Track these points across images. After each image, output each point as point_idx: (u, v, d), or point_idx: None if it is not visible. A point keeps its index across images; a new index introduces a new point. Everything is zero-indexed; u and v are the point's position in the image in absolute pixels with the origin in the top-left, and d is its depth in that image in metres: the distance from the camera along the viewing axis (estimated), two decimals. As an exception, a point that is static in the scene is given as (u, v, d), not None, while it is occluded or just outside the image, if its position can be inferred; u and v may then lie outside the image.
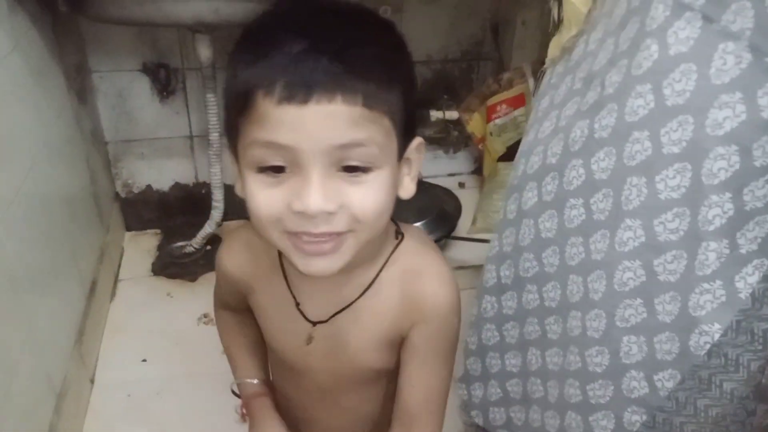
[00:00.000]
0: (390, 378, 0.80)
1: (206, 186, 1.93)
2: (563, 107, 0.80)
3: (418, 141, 0.66)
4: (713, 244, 0.62)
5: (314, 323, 0.75)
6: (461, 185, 2.15)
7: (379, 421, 0.85)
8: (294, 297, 0.75)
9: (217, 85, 1.64)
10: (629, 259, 0.69)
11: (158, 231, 2.03)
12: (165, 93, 1.83)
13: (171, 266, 1.88)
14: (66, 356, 1.34)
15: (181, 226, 2.00)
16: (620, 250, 0.69)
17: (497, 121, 1.87)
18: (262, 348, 0.91)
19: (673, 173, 0.63)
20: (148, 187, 1.99)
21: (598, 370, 0.75)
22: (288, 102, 0.55)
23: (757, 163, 0.58)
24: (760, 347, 0.63)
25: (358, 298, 0.73)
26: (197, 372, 1.50)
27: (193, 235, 1.88)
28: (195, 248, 1.89)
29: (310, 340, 0.76)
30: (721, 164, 0.60)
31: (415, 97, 0.65)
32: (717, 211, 0.61)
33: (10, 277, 1.10)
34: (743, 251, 0.61)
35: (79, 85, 1.65)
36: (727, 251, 0.61)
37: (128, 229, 2.03)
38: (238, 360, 0.92)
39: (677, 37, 0.61)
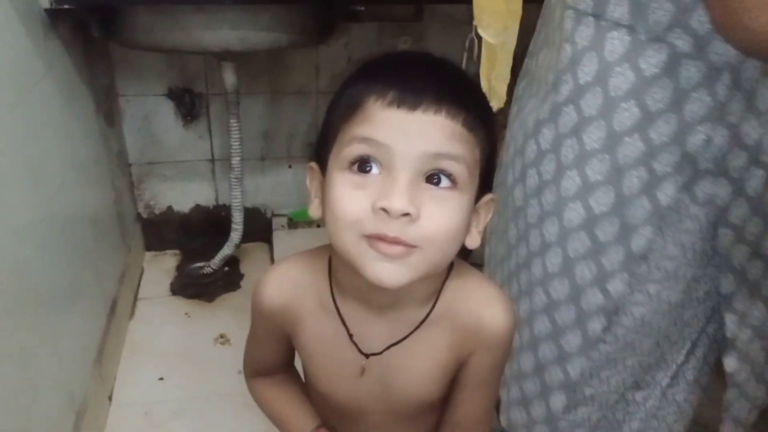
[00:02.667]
0: (440, 407, 0.80)
1: (226, 208, 1.97)
2: (525, 107, 0.99)
3: (490, 196, 0.68)
4: (634, 172, 0.83)
5: (367, 355, 0.73)
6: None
7: None
8: (347, 328, 0.73)
9: (240, 111, 1.68)
10: (572, 201, 0.88)
11: (178, 252, 2.07)
12: (189, 117, 1.88)
13: (190, 287, 1.91)
14: (86, 374, 1.37)
15: (200, 247, 2.04)
16: (564, 195, 0.88)
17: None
18: (309, 400, 0.88)
19: (593, 129, 0.84)
20: (170, 208, 2.03)
21: (562, 297, 0.92)
22: (398, 106, 0.59)
23: (652, 109, 0.80)
24: (690, 258, 0.85)
25: (413, 332, 0.72)
26: (214, 392, 1.52)
27: (212, 257, 1.91)
28: (213, 269, 1.92)
29: (362, 372, 0.74)
30: (626, 115, 0.81)
31: (495, 156, 0.68)
32: (631, 148, 0.82)
33: (36, 295, 1.12)
34: (659, 173, 0.82)
35: (107, 108, 1.69)
36: (646, 175, 0.82)
37: (148, 249, 2.07)
38: (290, 416, 0.86)
39: (581, 36, 0.84)
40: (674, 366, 0.95)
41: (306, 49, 1.82)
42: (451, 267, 0.73)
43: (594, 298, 0.90)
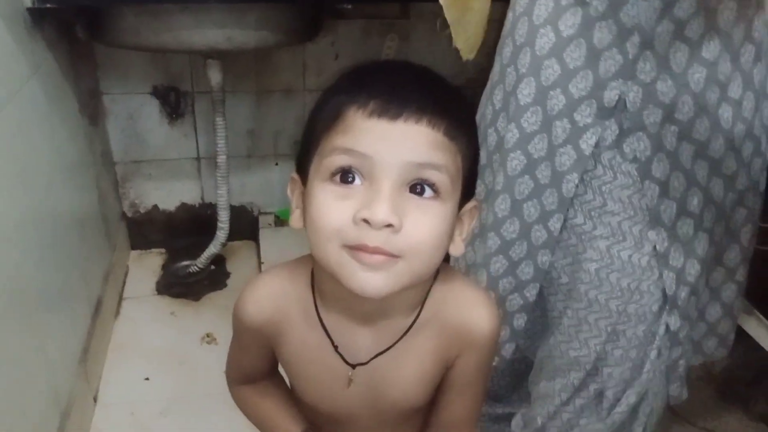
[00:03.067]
0: (426, 410, 0.81)
1: (212, 207, 1.96)
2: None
3: (474, 203, 0.68)
4: (559, 123, 0.92)
5: (353, 366, 0.73)
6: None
7: None
8: (332, 340, 0.72)
9: (225, 109, 1.68)
10: (513, 151, 0.97)
11: (163, 251, 2.06)
12: (174, 116, 1.87)
13: (175, 286, 1.90)
14: (71, 374, 1.36)
15: (186, 246, 2.02)
16: (507, 147, 0.98)
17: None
18: (295, 405, 0.86)
19: (525, 86, 0.94)
20: (155, 207, 2.02)
21: (514, 235, 1.02)
22: (378, 116, 0.59)
23: (571, 66, 0.89)
24: (632, 213, 0.93)
25: (399, 340, 0.72)
26: (201, 391, 1.51)
27: (198, 256, 1.90)
28: (199, 268, 1.91)
29: (349, 383, 0.74)
30: (550, 72, 0.92)
31: (477, 163, 0.69)
32: (555, 101, 0.91)
33: (21, 295, 1.12)
34: (581, 124, 0.91)
35: (92, 108, 1.68)
36: (569, 126, 0.92)
37: (134, 248, 2.06)
38: (275, 421, 0.85)
39: (519, 3, 0.95)
40: (656, 340, 0.98)
41: (293, 47, 1.82)
42: (436, 272, 0.72)
43: (540, 234, 1.00)
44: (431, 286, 0.72)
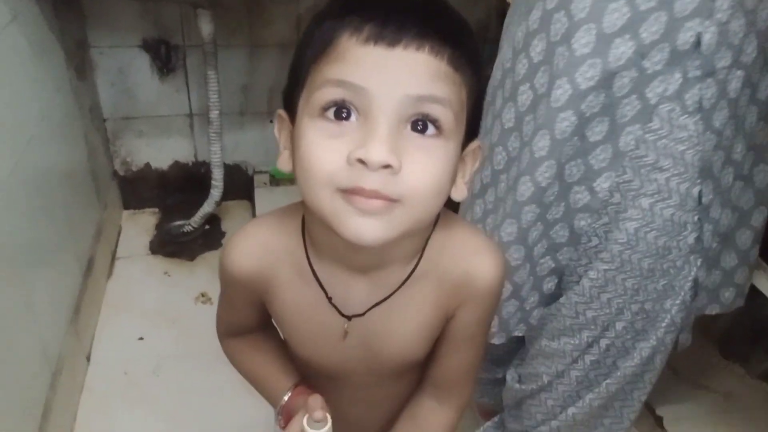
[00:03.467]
0: (424, 364, 0.77)
1: (206, 165, 1.92)
2: (512, 30, 0.98)
3: (477, 143, 0.63)
4: (625, 73, 0.83)
5: (349, 317, 0.68)
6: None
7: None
8: (325, 292, 0.68)
9: (218, 63, 1.62)
10: (564, 111, 0.88)
11: (156, 210, 2.03)
12: (165, 70, 1.82)
13: (169, 245, 1.88)
14: (62, 333, 1.34)
15: (179, 205, 1.99)
16: (555, 106, 0.88)
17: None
18: (287, 357, 0.82)
19: (582, 33, 0.84)
20: (147, 165, 1.98)
21: (552, 198, 0.94)
22: (375, 42, 0.53)
23: (642, 8, 0.80)
24: (682, 169, 0.86)
25: (396, 291, 0.67)
26: (194, 351, 1.49)
27: (192, 215, 1.87)
28: (193, 227, 1.89)
29: (345, 335, 0.69)
30: (616, 15, 0.81)
31: (483, 99, 0.63)
32: (622, 49, 0.82)
33: (7, 252, 1.09)
34: (649, 72, 0.83)
35: (79, 61, 1.63)
36: (636, 75, 0.83)
37: (126, 207, 2.02)
38: (266, 375, 0.81)
39: None
40: (682, 293, 0.94)
41: (286, -3, 1.76)
42: (436, 219, 0.67)
43: (581, 196, 0.92)
44: (431, 233, 0.68)
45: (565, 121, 0.88)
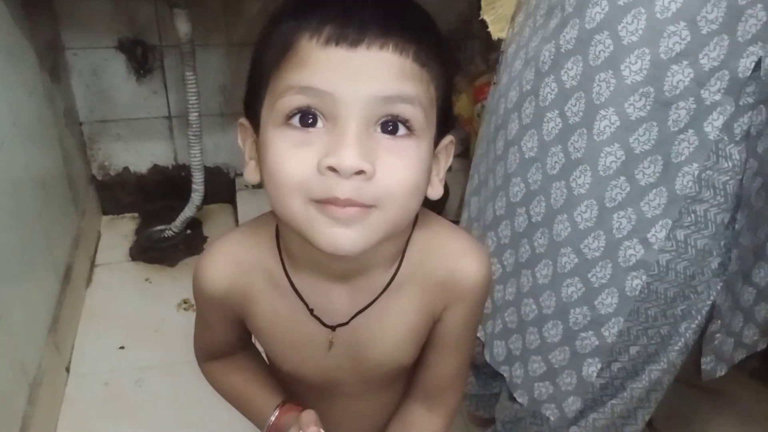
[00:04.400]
0: (411, 373, 0.75)
1: (186, 168, 1.87)
2: (529, 44, 0.89)
3: (449, 139, 0.61)
4: (681, 104, 0.76)
5: (333, 327, 0.66)
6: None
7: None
8: (306, 304, 0.65)
9: (195, 63, 1.58)
10: (608, 145, 0.80)
11: (136, 215, 1.98)
12: (142, 71, 1.77)
13: (150, 251, 1.83)
14: (40, 344, 1.30)
15: (160, 209, 1.94)
16: (599, 139, 0.80)
17: (485, 102, 1.83)
18: (271, 376, 0.79)
19: (634, 59, 0.76)
20: (126, 169, 1.93)
21: (597, 254, 0.85)
22: (336, 44, 0.51)
23: (704, 31, 0.72)
24: (722, 200, 0.81)
25: (380, 295, 0.65)
26: (177, 360, 1.45)
27: (173, 219, 1.83)
28: (174, 232, 1.84)
29: (330, 346, 0.67)
30: (674, 40, 0.74)
31: (452, 93, 0.60)
32: (679, 77, 0.75)
33: (-23, 263, 1.04)
34: (708, 103, 0.76)
35: (52, 63, 1.58)
36: (694, 106, 0.76)
37: (105, 212, 1.97)
38: (251, 396, 0.77)
39: None
40: (699, 317, 0.90)
41: (265, -5, 1.72)
42: (415, 219, 0.65)
43: (632, 251, 0.83)
44: (410, 234, 0.65)
45: (610, 156, 0.80)
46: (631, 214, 0.82)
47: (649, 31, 0.74)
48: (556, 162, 0.85)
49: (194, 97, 1.61)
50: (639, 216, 0.81)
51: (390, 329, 0.67)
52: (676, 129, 0.77)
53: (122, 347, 1.51)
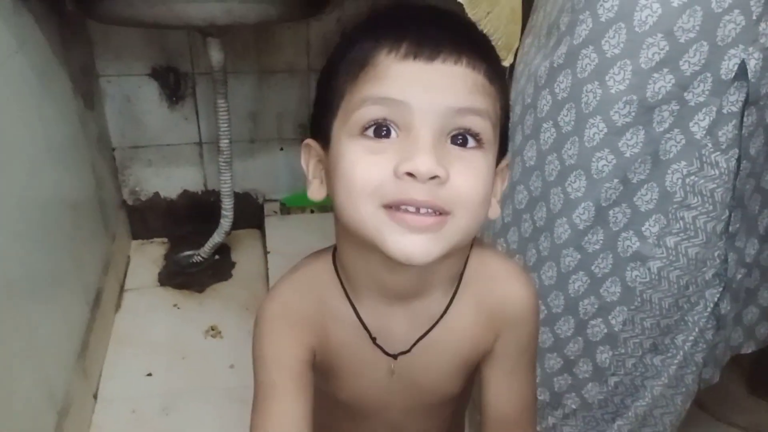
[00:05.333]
0: (456, 399, 0.74)
1: (215, 194, 1.88)
2: (533, 62, 0.93)
3: (506, 162, 0.63)
4: (665, 107, 0.80)
5: (395, 356, 0.66)
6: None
7: None
8: (369, 332, 0.65)
9: (227, 91, 1.59)
10: (599, 150, 0.84)
11: (165, 240, 1.99)
12: (174, 98, 1.79)
13: (178, 276, 1.83)
14: (68, 370, 1.29)
15: (189, 234, 1.95)
16: (590, 146, 0.84)
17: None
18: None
19: (617, 70, 0.80)
20: (156, 194, 1.94)
21: (597, 247, 0.88)
22: (414, 58, 0.53)
23: (682, 40, 0.76)
24: (710, 207, 0.83)
25: (439, 319, 0.65)
26: (204, 387, 1.44)
27: (202, 245, 1.83)
28: (203, 258, 1.84)
29: (392, 374, 0.67)
30: (654, 50, 0.78)
31: (509, 117, 0.62)
32: (661, 83, 0.79)
33: (9, 286, 1.04)
34: (692, 104, 0.79)
35: (86, 89, 1.60)
36: (678, 107, 0.80)
37: (135, 237, 1.98)
38: None
39: None
40: (696, 329, 0.90)
41: (296, 23, 1.73)
42: (471, 244, 0.66)
43: (629, 242, 0.87)
44: (468, 256, 0.66)
45: (602, 161, 0.84)
46: (626, 209, 0.86)
47: (629, 44, 0.79)
48: (552, 169, 0.89)
49: (225, 124, 1.62)
50: (633, 210, 0.85)
51: (445, 358, 0.68)
52: (661, 129, 0.81)
53: (149, 374, 1.50)
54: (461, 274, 0.66)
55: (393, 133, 0.54)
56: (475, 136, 0.55)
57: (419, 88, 0.53)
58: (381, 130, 0.54)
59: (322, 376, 0.69)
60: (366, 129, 0.54)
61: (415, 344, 0.66)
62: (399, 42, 0.54)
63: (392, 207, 0.53)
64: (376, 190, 0.53)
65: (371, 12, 0.60)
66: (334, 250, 0.67)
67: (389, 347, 0.66)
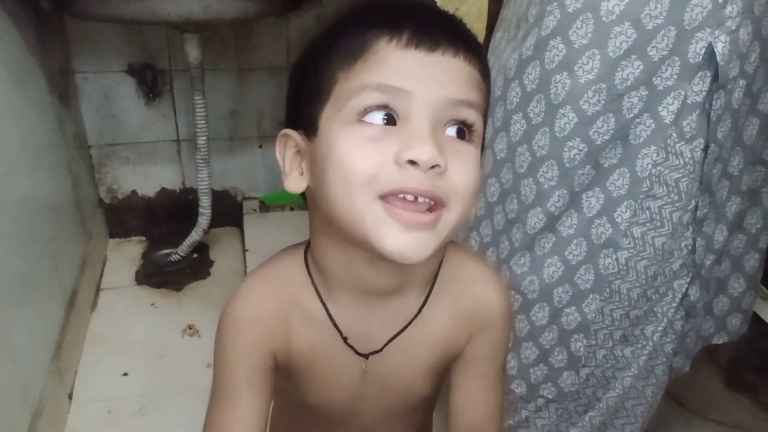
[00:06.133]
0: (427, 403, 0.74)
1: (194, 192, 1.87)
2: (503, 55, 0.94)
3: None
4: (633, 93, 0.81)
5: (367, 355, 0.65)
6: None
7: None
8: (340, 332, 0.64)
9: (205, 88, 1.58)
10: (570, 140, 0.84)
11: (143, 238, 1.97)
12: (151, 95, 1.77)
13: (156, 275, 1.82)
14: (43, 370, 1.27)
15: (167, 233, 1.94)
16: (561, 135, 0.85)
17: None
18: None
19: (586, 60, 0.81)
20: (133, 192, 1.93)
21: (571, 231, 0.89)
22: (416, 47, 0.53)
23: (649, 27, 0.77)
24: (676, 197, 0.84)
25: (413, 318, 0.64)
26: (181, 387, 1.43)
27: (180, 243, 1.82)
28: (181, 256, 1.83)
29: (364, 374, 0.66)
30: (622, 39, 0.78)
31: (488, 113, 0.64)
32: (629, 70, 0.79)
33: (-18, 288, 1.03)
34: (660, 88, 0.80)
35: (63, 87, 1.58)
36: (646, 92, 0.80)
37: (112, 236, 1.96)
38: None
39: None
40: (665, 320, 0.91)
41: (275, 20, 1.72)
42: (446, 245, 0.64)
43: (603, 229, 0.87)
44: (443, 257, 0.66)
45: (574, 150, 0.84)
46: (599, 194, 0.86)
47: (597, 34, 0.79)
48: (523, 161, 0.90)
49: (203, 121, 1.61)
50: (606, 195, 0.86)
51: (418, 359, 0.67)
52: (631, 115, 0.82)
53: (125, 373, 1.48)
54: (436, 274, 0.65)
55: (391, 121, 0.53)
56: (469, 128, 0.56)
57: (420, 76, 0.53)
58: (383, 116, 0.53)
59: (291, 379, 0.68)
60: (365, 114, 0.53)
61: (387, 343, 0.65)
62: (400, 31, 0.53)
63: (388, 198, 0.52)
64: (374, 178, 0.52)
65: (358, 4, 0.58)
66: (307, 247, 0.65)
67: (361, 347, 0.65)
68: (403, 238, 0.52)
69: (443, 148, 0.53)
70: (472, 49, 0.56)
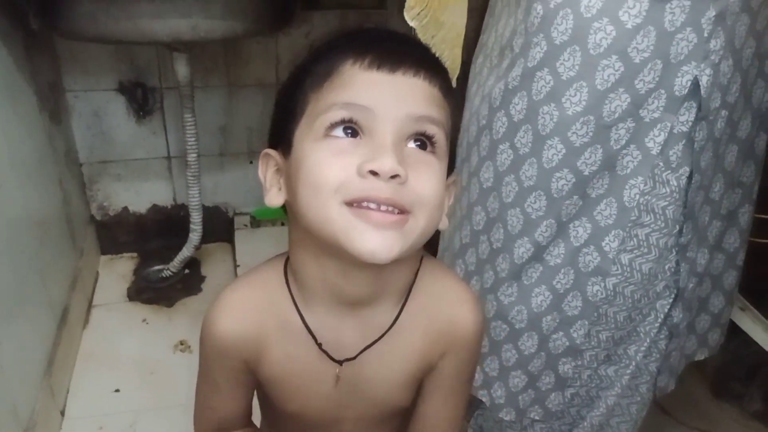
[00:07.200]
0: (405, 413, 0.76)
1: (184, 208, 1.88)
2: (486, 82, 0.95)
3: (453, 179, 0.66)
4: (621, 125, 0.81)
5: (341, 362, 0.68)
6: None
7: None
8: (315, 338, 0.67)
9: (195, 104, 1.60)
10: (558, 171, 0.85)
11: (135, 255, 1.98)
12: (142, 113, 1.78)
13: (147, 291, 1.82)
14: (35, 387, 1.28)
15: (158, 249, 1.95)
16: (548, 167, 0.85)
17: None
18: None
19: (573, 92, 0.81)
20: (125, 209, 1.93)
21: (559, 260, 0.89)
22: (378, 68, 0.58)
23: (636, 60, 0.77)
24: (662, 225, 0.85)
25: (387, 330, 0.67)
26: (173, 403, 1.44)
27: (171, 259, 1.82)
28: (172, 272, 1.84)
29: (337, 381, 0.69)
30: (609, 72, 0.78)
31: (457, 134, 0.67)
32: (617, 103, 0.80)
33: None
34: (647, 120, 0.81)
35: (53, 105, 1.60)
36: (633, 125, 0.81)
37: (103, 252, 1.97)
38: None
39: (588, 2, 0.77)
40: (648, 339, 0.93)
41: (264, 38, 1.74)
42: (421, 258, 0.69)
43: (591, 257, 0.88)
44: (418, 269, 0.68)
45: (562, 180, 0.86)
46: (586, 223, 0.87)
47: (584, 66, 0.79)
48: (510, 191, 0.90)
49: (193, 138, 1.62)
50: (593, 224, 0.87)
51: (392, 370, 0.69)
52: (618, 147, 0.83)
53: (117, 390, 1.49)
54: (411, 287, 0.68)
55: (356, 136, 0.58)
56: (431, 140, 0.59)
57: (382, 96, 0.57)
58: (347, 129, 0.57)
59: (271, 387, 0.71)
60: (331, 129, 0.58)
61: (362, 352, 0.67)
62: (363, 54, 0.58)
63: (355, 204, 0.56)
64: (340, 187, 0.56)
65: (335, 33, 0.64)
66: (287, 258, 0.68)
67: (336, 354, 0.67)
68: (371, 237, 0.56)
69: (405, 160, 0.57)
70: (434, 69, 0.60)
